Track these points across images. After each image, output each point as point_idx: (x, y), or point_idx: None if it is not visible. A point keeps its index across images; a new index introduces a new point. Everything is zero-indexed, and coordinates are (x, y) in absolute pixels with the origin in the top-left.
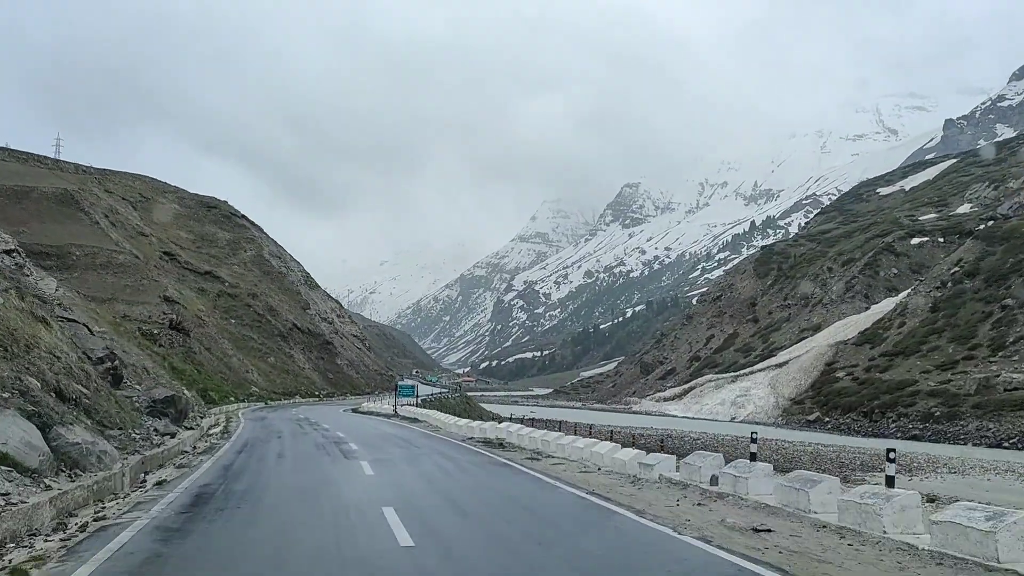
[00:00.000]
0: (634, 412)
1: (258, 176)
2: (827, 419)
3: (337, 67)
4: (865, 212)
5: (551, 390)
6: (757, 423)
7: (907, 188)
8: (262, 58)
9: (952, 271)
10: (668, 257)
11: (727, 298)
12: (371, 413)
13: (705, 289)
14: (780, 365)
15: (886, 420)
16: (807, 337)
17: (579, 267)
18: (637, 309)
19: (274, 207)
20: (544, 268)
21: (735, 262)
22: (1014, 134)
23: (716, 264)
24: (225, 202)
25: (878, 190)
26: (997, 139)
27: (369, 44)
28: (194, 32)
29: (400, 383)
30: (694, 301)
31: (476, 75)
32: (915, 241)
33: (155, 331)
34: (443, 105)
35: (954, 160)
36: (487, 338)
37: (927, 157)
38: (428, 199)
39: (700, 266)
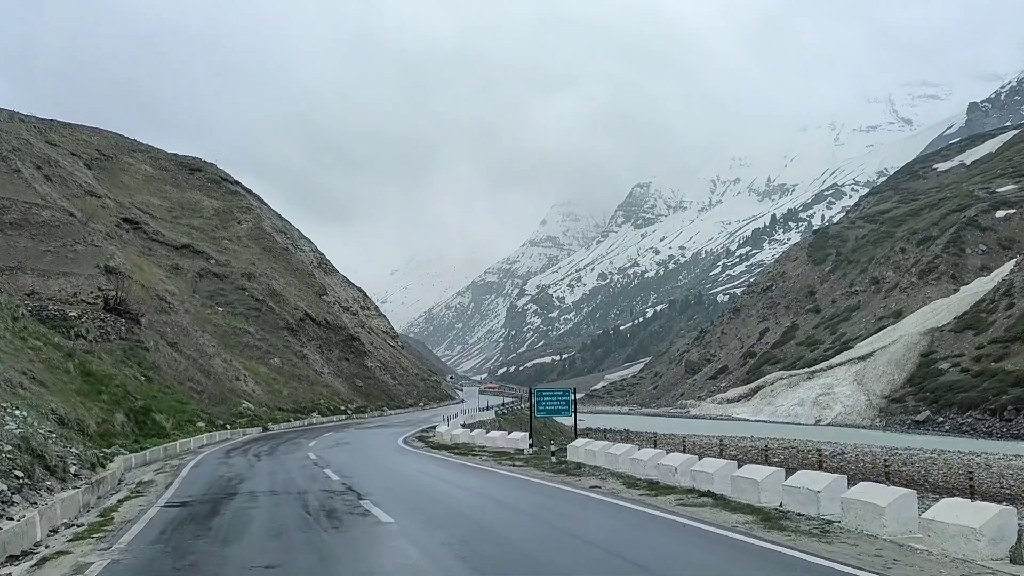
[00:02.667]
0: (695, 416)
1: (267, 187)
2: (940, 419)
3: (347, 75)
4: (926, 189)
5: (582, 395)
6: (849, 426)
7: (967, 162)
8: (271, 68)
9: None
10: (683, 256)
11: (779, 288)
12: (467, 450)
13: (752, 280)
14: (863, 358)
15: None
16: (888, 325)
17: (592, 269)
18: (658, 309)
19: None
20: (557, 272)
21: (757, 256)
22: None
23: (738, 260)
24: (213, 164)
25: (935, 166)
26: None
27: (379, 52)
28: (202, 43)
29: (540, 391)
30: (719, 297)
31: (487, 79)
32: (1001, 214)
33: (73, 313)
34: (453, 111)
35: (1016, 131)
36: (501, 344)
37: (951, 142)
38: (438, 206)
39: (721, 262)
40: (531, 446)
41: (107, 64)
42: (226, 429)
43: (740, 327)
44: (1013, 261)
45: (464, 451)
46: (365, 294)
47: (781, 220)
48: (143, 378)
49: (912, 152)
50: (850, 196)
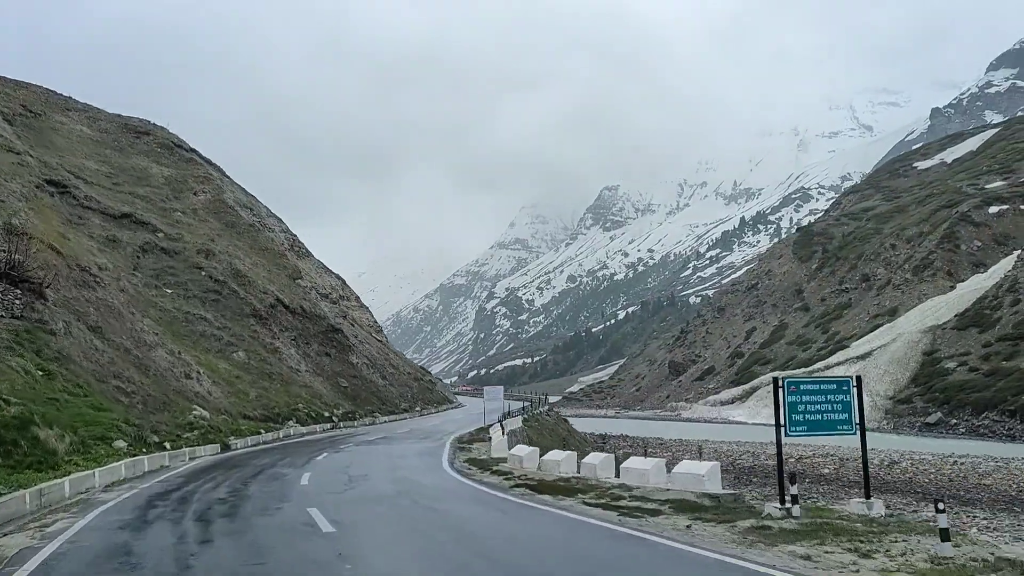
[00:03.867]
0: (687, 420)
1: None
2: (953, 420)
3: (316, 75)
4: (908, 187)
5: (558, 398)
6: None
7: (948, 160)
8: (239, 66)
9: None
10: (652, 259)
11: (765, 286)
12: (586, 490)
13: (725, 280)
14: (862, 357)
15: None
16: (884, 323)
17: (561, 272)
18: (630, 311)
19: None
20: (526, 274)
21: (727, 259)
22: (1004, 119)
23: (708, 262)
24: (164, 128)
25: (915, 164)
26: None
27: (349, 52)
28: (170, 40)
29: (796, 382)
30: (691, 298)
31: (457, 80)
32: (994, 210)
33: None
34: (423, 112)
35: (996, 129)
36: (470, 347)
37: (914, 147)
38: (406, 208)
39: (691, 264)
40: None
41: (67, 59)
42: (164, 449)
43: (725, 326)
44: (1015, 256)
45: (585, 493)
46: (344, 282)
47: (750, 223)
48: (40, 372)
49: (874, 157)
50: (816, 199)
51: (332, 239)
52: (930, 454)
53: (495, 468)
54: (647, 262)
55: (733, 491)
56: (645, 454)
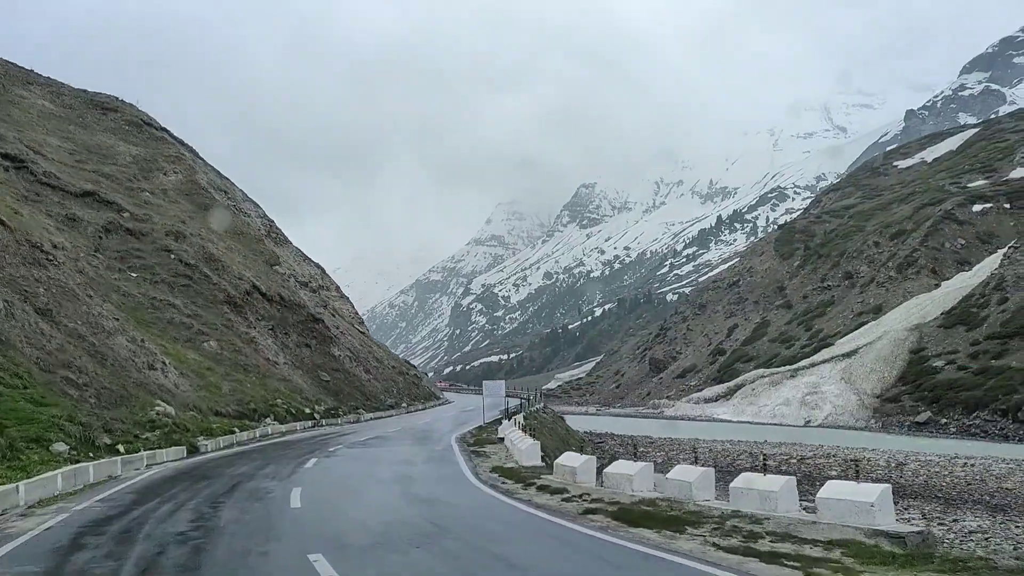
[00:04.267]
0: (671, 417)
1: None
2: (943, 420)
3: (293, 70)
4: (889, 185)
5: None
6: (843, 427)
7: (928, 159)
8: (212, 59)
9: None
10: (629, 256)
11: (746, 283)
12: (699, 522)
13: (716, 274)
14: (848, 355)
15: None
16: (869, 321)
17: (538, 268)
18: (606, 308)
19: None
20: (502, 271)
21: (704, 256)
22: (978, 122)
23: (685, 260)
24: (133, 105)
25: (895, 163)
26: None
27: (327, 44)
28: (140, 33)
29: None
30: (668, 296)
31: (436, 77)
32: (977, 208)
33: None
34: (402, 108)
35: (976, 128)
36: (446, 343)
37: (888, 148)
38: (384, 204)
39: (668, 262)
40: None
41: (36, 54)
42: (117, 453)
43: (706, 323)
44: (1000, 253)
45: (696, 525)
46: (324, 271)
47: (727, 221)
48: None
49: (849, 158)
50: (792, 199)
51: (310, 235)
52: (935, 455)
53: (539, 482)
54: (624, 259)
55: (918, 529)
56: (635, 455)
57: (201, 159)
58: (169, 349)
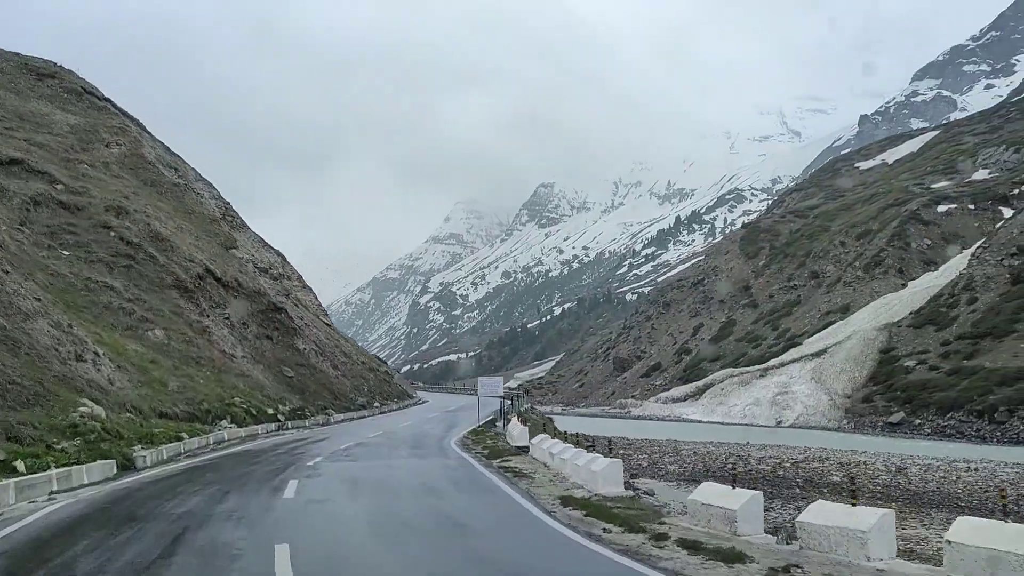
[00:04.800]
0: (639, 417)
1: None
2: (917, 420)
3: (251, 63)
4: (852, 186)
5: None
6: (815, 428)
7: (890, 161)
8: (173, 52)
9: None
10: (587, 256)
11: (711, 282)
12: None
13: (678, 274)
14: (817, 355)
15: (1019, 420)
16: (836, 321)
17: (496, 267)
18: (565, 307)
19: None
20: (460, 269)
21: (663, 257)
22: (932, 127)
23: (644, 260)
24: (73, 72)
25: (857, 164)
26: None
27: (288, 38)
28: (98, 27)
29: None
30: (628, 295)
31: (398, 74)
32: (942, 208)
33: None
34: (361, 105)
35: (936, 131)
36: (403, 342)
37: (843, 152)
38: (342, 201)
39: (627, 262)
40: None
41: None
42: (12, 475)
43: (671, 322)
44: (967, 253)
45: None
46: (284, 259)
47: (685, 222)
48: None
49: (803, 162)
50: (750, 200)
51: (265, 231)
52: (931, 459)
53: (670, 530)
54: (582, 259)
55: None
56: (610, 451)
57: (149, 133)
58: (104, 337)
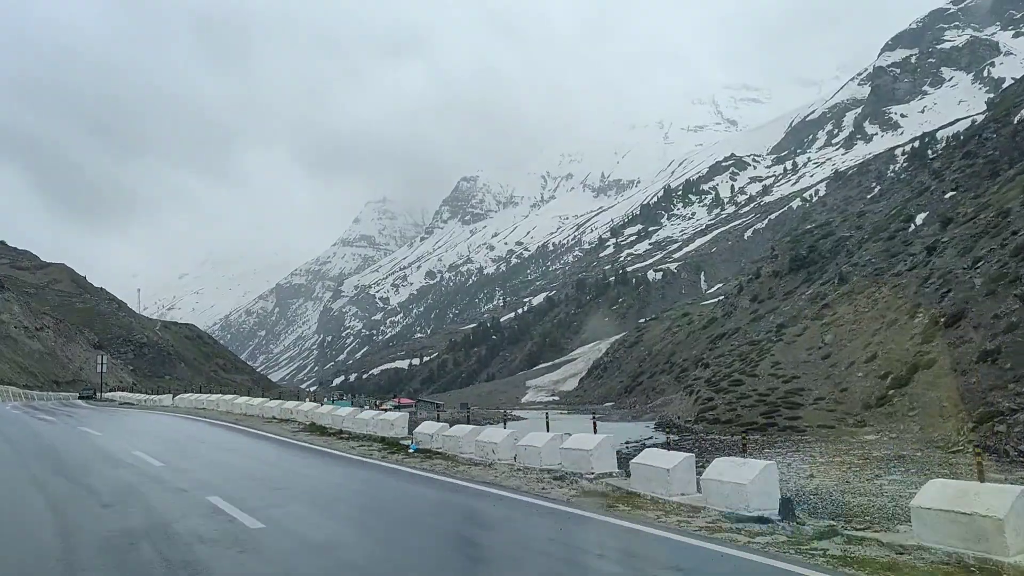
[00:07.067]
0: None
1: (15, 175)
2: None
3: (124, 28)
4: None
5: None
6: None
7: None
8: (18, 18)
9: None
10: (526, 250)
11: None
12: None
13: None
14: None
15: None
16: None
17: (418, 267)
18: (553, 295)
19: (39, 215)
20: (377, 271)
21: (660, 233)
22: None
23: (636, 237)
24: None
25: None
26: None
27: (172, 4)
28: None
29: None
30: (650, 273)
31: (315, 41)
32: None
33: None
34: (271, 81)
35: None
36: (316, 352)
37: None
38: (239, 202)
39: (610, 243)
40: None
41: None
42: None
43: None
44: None
45: None
46: None
47: (680, 193)
48: None
49: (753, 147)
50: (754, 167)
51: (149, 234)
52: None
53: None
54: (521, 254)
55: None
56: None
57: None
58: None
